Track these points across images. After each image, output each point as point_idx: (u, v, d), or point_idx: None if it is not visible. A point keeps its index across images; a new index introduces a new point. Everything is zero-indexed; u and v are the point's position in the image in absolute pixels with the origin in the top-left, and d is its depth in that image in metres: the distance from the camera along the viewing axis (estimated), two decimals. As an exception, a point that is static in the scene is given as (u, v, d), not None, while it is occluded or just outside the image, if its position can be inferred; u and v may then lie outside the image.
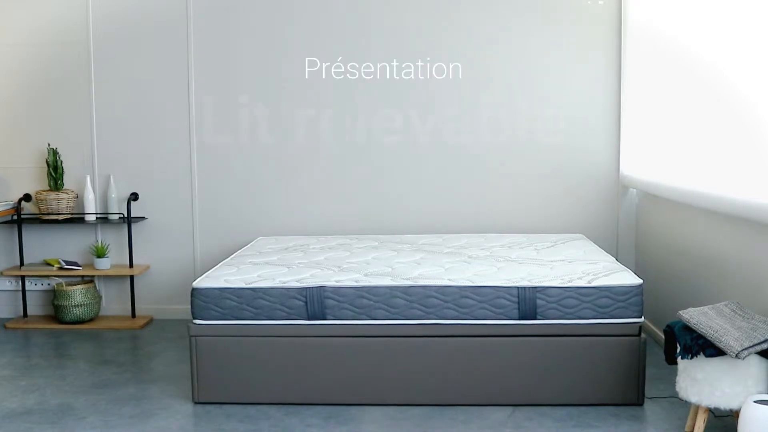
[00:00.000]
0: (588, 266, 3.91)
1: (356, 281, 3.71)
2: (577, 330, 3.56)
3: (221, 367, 3.66)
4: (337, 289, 3.65)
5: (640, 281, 3.60)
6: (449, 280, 3.71)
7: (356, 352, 3.63)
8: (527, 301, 3.57)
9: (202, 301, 3.68)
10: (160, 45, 5.15)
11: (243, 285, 3.72)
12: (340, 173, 5.16)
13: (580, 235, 4.88)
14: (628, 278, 3.64)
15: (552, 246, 4.47)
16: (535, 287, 3.59)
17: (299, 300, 3.65)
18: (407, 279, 3.73)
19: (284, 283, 3.72)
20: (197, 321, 3.69)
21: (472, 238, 4.82)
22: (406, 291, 3.63)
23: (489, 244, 4.58)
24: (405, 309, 3.62)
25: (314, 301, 3.63)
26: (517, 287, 3.59)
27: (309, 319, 3.65)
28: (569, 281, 3.63)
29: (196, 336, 3.66)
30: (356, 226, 5.16)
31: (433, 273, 3.86)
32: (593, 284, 3.58)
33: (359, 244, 4.65)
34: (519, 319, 3.58)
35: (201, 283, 3.76)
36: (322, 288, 3.66)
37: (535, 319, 3.57)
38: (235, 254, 4.50)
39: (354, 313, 3.63)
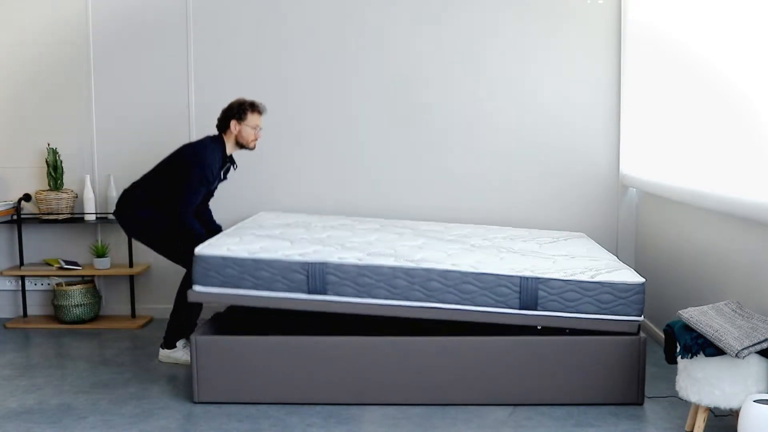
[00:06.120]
0: (590, 262, 3.88)
1: (359, 259, 3.70)
2: (577, 325, 3.56)
3: (221, 367, 3.66)
4: (339, 266, 3.64)
5: (642, 280, 3.59)
6: (452, 264, 3.68)
7: (356, 352, 3.63)
8: (529, 291, 3.56)
9: (204, 268, 3.67)
10: (160, 45, 5.15)
11: (246, 255, 3.70)
12: (340, 167, 5.15)
13: (582, 233, 4.87)
14: (631, 276, 3.63)
15: (554, 242, 4.45)
16: (538, 278, 3.57)
17: (301, 274, 3.64)
18: (410, 261, 3.70)
19: (287, 256, 3.71)
20: (197, 288, 3.69)
21: (474, 228, 4.74)
22: (409, 273, 3.62)
23: (491, 235, 4.50)
24: (406, 290, 3.61)
25: (316, 276, 3.63)
26: (520, 276, 3.58)
27: (309, 293, 3.64)
28: (572, 275, 3.61)
29: (196, 336, 3.66)
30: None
31: (436, 257, 3.81)
32: (596, 279, 3.57)
33: (361, 226, 4.58)
34: (519, 308, 3.58)
35: (204, 250, 3.74)
36: (324, 264, 3.65)
37: (536, 309, 3.57)
38: (236, 225, 4.44)
39: (355, 291, 3.62)
